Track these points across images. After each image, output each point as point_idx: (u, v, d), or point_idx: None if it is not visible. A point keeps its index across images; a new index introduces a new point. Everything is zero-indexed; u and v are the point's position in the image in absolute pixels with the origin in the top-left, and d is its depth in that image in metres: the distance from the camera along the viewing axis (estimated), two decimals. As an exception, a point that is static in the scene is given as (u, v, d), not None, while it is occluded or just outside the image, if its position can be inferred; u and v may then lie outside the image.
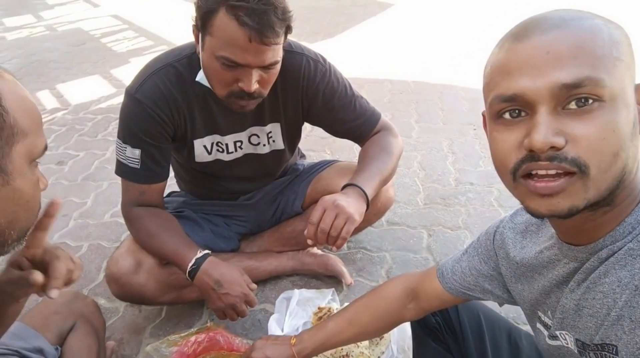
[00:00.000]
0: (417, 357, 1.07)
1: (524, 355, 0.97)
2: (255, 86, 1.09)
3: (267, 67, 1.09)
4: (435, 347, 1.04)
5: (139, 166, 1.23)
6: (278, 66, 1.13)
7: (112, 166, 2.43)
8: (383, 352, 1.26)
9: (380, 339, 1.28)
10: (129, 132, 1.22)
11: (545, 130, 0.50)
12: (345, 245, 1.71)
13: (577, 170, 0.50)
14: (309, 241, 1.11)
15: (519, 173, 0.54)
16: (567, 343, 0.64)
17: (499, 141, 0.56)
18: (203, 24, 1.06)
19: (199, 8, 1.06)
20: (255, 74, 1.08)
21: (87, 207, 2.10)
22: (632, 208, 0.55)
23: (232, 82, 1.10)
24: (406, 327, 1.28)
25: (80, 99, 3.48)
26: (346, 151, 2.34)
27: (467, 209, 1.88)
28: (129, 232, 1.32)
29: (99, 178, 2.34)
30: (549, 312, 0.69)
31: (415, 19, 4.94)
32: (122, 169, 1.26)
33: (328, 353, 1.23)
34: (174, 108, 1.22)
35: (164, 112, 1.21)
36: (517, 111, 0.54)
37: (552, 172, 0.51)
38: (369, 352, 1.23)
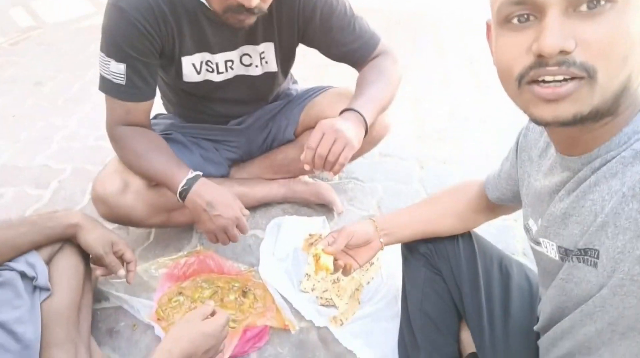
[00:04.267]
0: (407, 282, 1.08)
1: (514, 282, 0.98)
2: (255, 1, 1.01)
3: None
4: (426, 272, 1.04)
5: (124, 82, 1.16)
6: None
7: (95, 88, 2.33)
8: (373, 278, 1.28)
9: (370, 265, 1.29)
10: (112, 45, 1.13)
11: (555, 34, 0.48)
12: (336, 176, 1.69)
13: (586, 75, 0.49)
14: (306, 166, 1.08)
15: (525, 80, 0.52)
16: (548, 252, 0.66)
17: (506, 46, 0.54)
18: None
19: None
20: None
21: (70, 130, 2.03)
22: (632, 119, 0.55)
23: None
24: (395, 253, 1.29)
25: (56, 17, 3.27)
26: (342, 79, 2.24)
27: (460, 144, 1.85)
28: (113, 156, 1.27)
29: (82, 100, 2.25)
30: (536, 217, 0.71)
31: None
32: (106, 85, 1.19)
33: (319, 277, 1.25)
34: (161, 21, 1.13)
35: (151, 24, 1.12)
36: (526, 16, 0.52)
37: (560, 78, 0.50)
38: (359, 277, 1.24)
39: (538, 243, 0.69)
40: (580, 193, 0.58)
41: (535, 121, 0.55)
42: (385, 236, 1.01)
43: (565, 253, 0.62)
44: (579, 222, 0.58)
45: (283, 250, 1.35)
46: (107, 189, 1.20)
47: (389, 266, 1.29)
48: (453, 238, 1.03)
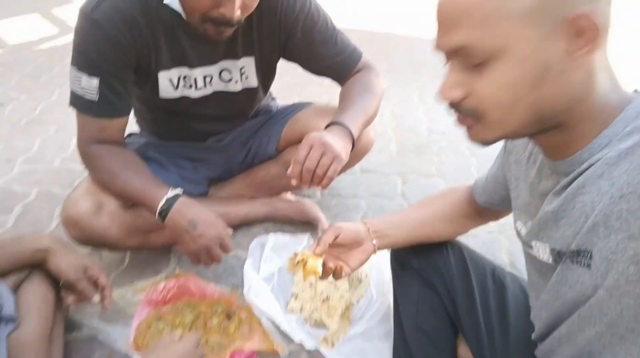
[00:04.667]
0: (400, 298, 1.05)
1: (510, 293, 0.96)
2: (237, 12, 0.99)
3: None
4: (420, 288, 1.01)
5: (96, 98, 1.10)
6: None
7: (60, 110, 2.25)
8: (362, 296, 1.23)
9: (359, 283, 1.25)
10: (84, 59, 1.08)
11: (445, 86, 0.57)
12: (318, 192, 1.66)
13: (474, 117, 0.57)
14: (293, 181, 1.04)
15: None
16: (541, 255, 0.66)
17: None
18: None
19: None
20: (238, 0, 0.97)
21: (33, 152, 1.92)
22: (611, 121, 0.56)
23: (212, 7, 0.98)
24: (384, 270, 1.26)
25: (18, 39, 3.16)
26: (316, 98, 2.24)
27: (440, 158, 1.86)
28: (83, 177, 1.20)
29: (46, 121, 2.15)
30: (525, 220, 0.72)
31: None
32: (77, 101, 1.12)
33: (307, 296, 1.20)
34: (136, 33, 1.09)
35: (125, 37, 1.07)
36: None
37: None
38: (349, 295, 1.20)
39: (530, 246, 0.69)
40: (569, 194, 0.59)
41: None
42: (377, 238, 0.96)
43: (558, 255, 0.62)
44: (570, 224, 0.59)
45: (267, 269, 1.30)
46: (80, 210, 1.13)
47: (379, 283, 1.26)
48: (444, 251, 1.00)
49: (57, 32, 3.31)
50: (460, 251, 1.01)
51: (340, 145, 1.06)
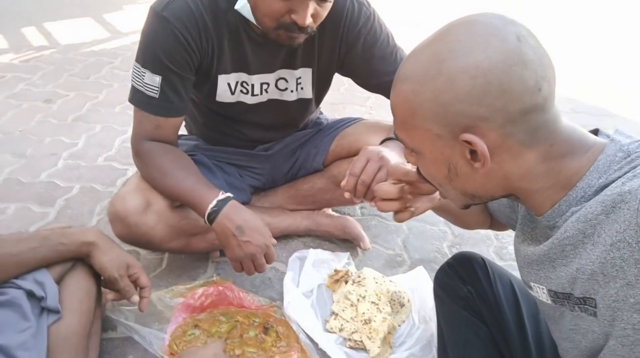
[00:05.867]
0: (446, 327, 1.00)
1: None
2: (309, 20, 0.98)
3: (322, 0, 0.99)
4: (468, 317, 0.97)
5: (157, 95, 1.10)
6: (332, 2, 1.02)
7: (106, 109, 2.29)
8: (404, 321, 1.18)
9: (402, 307, 1.20)
10: (150, 56, 1.08)
11: (405, 153, 0.69)
12: (358, 210, 1.62)
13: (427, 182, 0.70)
14: (346, 194, 1.01)
15: None
16: (540, 295, 0.68)
17: None
18: None
19: None
20: (311, 7, 0.98)
21: (77, 148, 1.95)
22: (582, 174, 0.57)
23: (284, 13, 0.99)
24: (427, 297, 1.21)
25: (69, 40, 3.26)
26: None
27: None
28: (126, 177, 1.20)
29: (91, 120, 2.18)
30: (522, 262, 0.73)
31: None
32: (137, 97, 1.12)
33: (347, 316, 1.15)
34: (203, 35, 1.09)
35: (193, 38, 1.08)
36: None
37: None
38: (391, 319, 1.15)
39: (530, 288, 0.70)
40: (555, 239, 0.60)
41: None
42: None
43: (555, 296, 0.63)
44: (564, 265, 0.60)
45: (307, 284, 1.26)
46: (128, 206, 1.12)
47: (421, 308, 1.20)
48: (491, 281, 0.96)
49: (107, 36, 3.41)
50: (510, 281, 0.97)
51: (397, 161, 1.03)
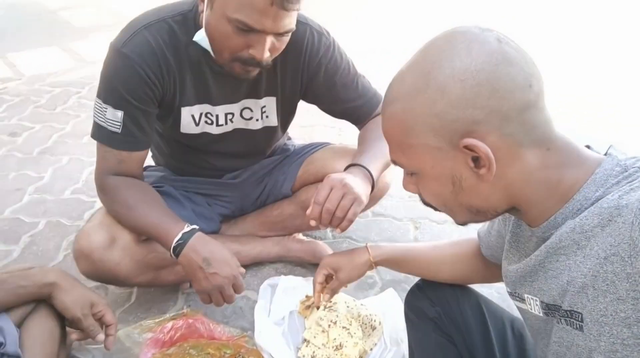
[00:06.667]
0: (416, 349, 1.02)
1: (529, 344, 0.94)
2: (267, 54, 1.00)
3: (281, 35, 1.01)
4: (437, 338, 0.98)
5: (120, 130, 1.11)
6: (290, 35, 1.05)
7: (73, 141, 2.26)
8: (375, 343, 1.19)
9: (373, 330, 1.21)
10: (111, 92, 1.09)
11: (403, 181, 0.68)
12: (329, 233, 1.63)
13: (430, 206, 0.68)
14: (312, 222, 1.03)
15: None
16: (532, 308, 0.67)
17: None
18: None
19: None
20: (269, 41, 0.99)
21: (44, 182, 1.92)
22: (579, 187, 0.58)
23: (242, 47, 1.00)
24: (398, 319, 1.22)
25: (35, 70, 3.21)
26: (327, 140, 2.26)
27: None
28: (94, 210, 1.19)
29: (58, 152, 2.15)
30: (512, 277, 0.73)
31: (403, 10, 4.91)
32: (100, 132, 1.12)
33: (319, 343, 1.15)
34: (164, 69, 1.11)
35: (154, 72, 1.09)
36: None
37: None
38: (363, 343, 1.15)
39: (523, 300, 0.70)
40: (550, 249, 0.60)
41: None
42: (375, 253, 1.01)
43: (547, 308, 0.63)
44: (555, 276, 0.60)
45: (278, 312, 1.26)
46: (92, 243, 1.11)
47: (392, 330, 1.22)
48: (460, 301, 0.98)
49: (74, 65, 3.37)
50: (478, 302, 0.99)
51: (361, 187, 1.06)
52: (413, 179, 0.65)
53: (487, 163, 0.57)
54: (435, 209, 0.68)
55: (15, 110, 2.58)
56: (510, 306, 1.33)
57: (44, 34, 4.02)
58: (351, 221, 1.03)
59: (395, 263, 1.03)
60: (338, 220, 1.02)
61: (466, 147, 0.57)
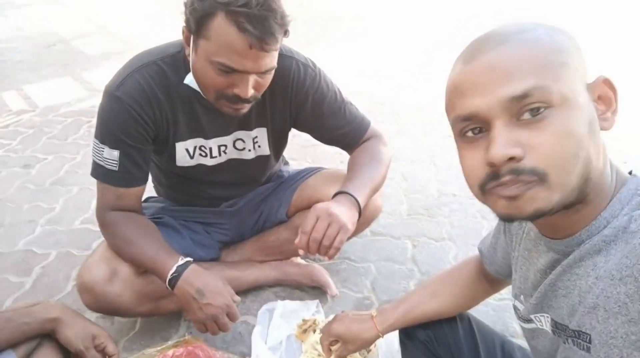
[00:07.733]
0: (407, 371, 1.04)
1: (519, 366, 0.95)
2: (251, 92, 1.05)
3: (263, 73, 1.06)
4: (427, 361, 1.01)
5: (116, 168, 1.17)
6: (273, 71, 1.10)
7: (83, 171, 2.34)
8: (371, 366, 1.21)
9: (368, 353, 1.23)
10: (107, 133, 1.15)
11: (500, 144, 0.52)
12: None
13: (537, 179, 0.52)
14: (300, 251, 1.06)
15: (485, 188, 0.57)
16: (543, 325, 0.66)
17: (464, 158, 0.59)
18: (198, 27, 1.01)
19: (193, 10, 1.00)
20: (252, 80, 1.04)
21: (55, 213, 1.99)
22: (607, 203, 0.57)
23: (227, 87, 1.06)
24: (393, 340, 1.24)
25: (49, 101, 3.34)
26: (328, 159, 2.30)
27: (451, 221, 1.86)
28: (102, 239, 1.25)
29: (69, 182, 2.23)
30: (523, 297, 0.72)
31: (389, 32, 4.97)
32: (98, 171, 1.19)
33: (315, 366, 1.18)
34: (156, 109, 1.16)
35: (146, 113, 1.15)
36: (478, 129, 0.57)
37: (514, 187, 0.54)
38: (357, 365, 1.18)
39: (529, 321, 0.69)
40: (566, 267, 0.60)
41: (501, 217, 0.57)
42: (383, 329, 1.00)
43: (556, 327, 0.63)
44: (565, 295, 0.60)
45: (275, 337, 1.29)
46: (94, 277, 1.16)
47: (387, 353, 1.24)
48: (452, 324, 1.00)
49: (85, 95, 3.49)
50: (469, 323, 1.01)
51: (346, 215, 1.09)
52: (523, 131, 0.52)
53: (614, 106, 0.56)
54: (518, 195, 0.53)
55: (29, 142, 2.68)
56: (505, 324, 1.35)
57: (58, 65, 4.16)
58: (338, 249, 1.07)
59: (402, 325, 1.02)
60: (325, 249, 1.05)
61: (604, 82, 0.56)
